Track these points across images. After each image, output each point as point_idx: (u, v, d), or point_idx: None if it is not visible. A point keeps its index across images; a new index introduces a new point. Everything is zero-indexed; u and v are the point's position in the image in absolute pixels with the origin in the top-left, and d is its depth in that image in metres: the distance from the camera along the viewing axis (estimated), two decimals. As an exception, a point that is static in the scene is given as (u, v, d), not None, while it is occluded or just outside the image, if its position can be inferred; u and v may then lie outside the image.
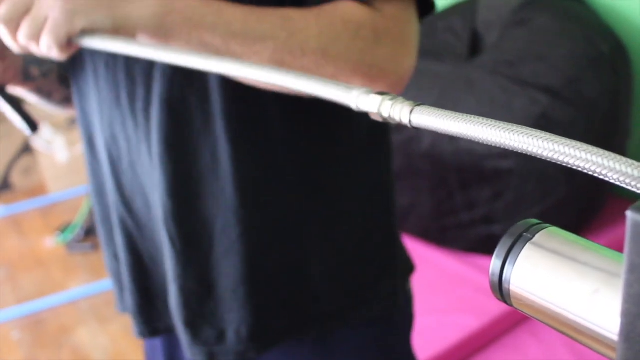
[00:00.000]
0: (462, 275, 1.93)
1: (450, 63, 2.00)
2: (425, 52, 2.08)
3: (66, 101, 0.91)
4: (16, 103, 0.80)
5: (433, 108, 0.38)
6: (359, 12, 0.69)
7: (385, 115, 0.41)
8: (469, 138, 0.35)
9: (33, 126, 0.82)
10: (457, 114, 0.36)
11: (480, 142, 0.35)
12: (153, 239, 0.84)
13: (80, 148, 3.53)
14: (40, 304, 2.72)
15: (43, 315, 2.66)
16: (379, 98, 0.42)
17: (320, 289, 0.84)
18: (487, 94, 1.87)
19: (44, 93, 0.87)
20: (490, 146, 1.84)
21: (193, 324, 0.83)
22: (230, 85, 0.73)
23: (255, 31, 0.67)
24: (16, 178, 3.86)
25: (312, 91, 0.45)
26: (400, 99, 0.41)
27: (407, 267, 0.93)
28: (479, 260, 1.96)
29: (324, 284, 0.84)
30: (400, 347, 0.95)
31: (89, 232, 3.10)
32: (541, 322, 0.31)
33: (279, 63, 0.68)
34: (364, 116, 0.79)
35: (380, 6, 0.71)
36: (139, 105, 0.77)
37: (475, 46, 2.13)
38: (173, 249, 0.79)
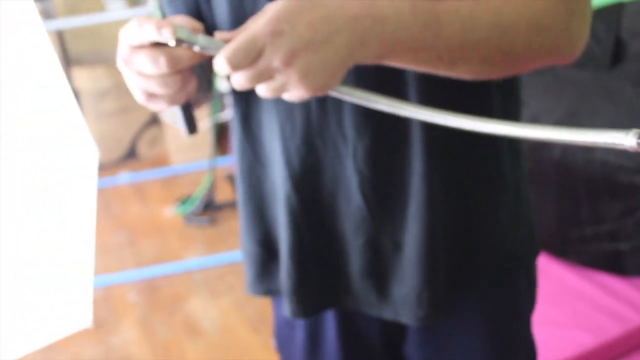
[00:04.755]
0: (581, 290, 1.86)
1: (590, 70, 1.93)
2: (564, 56, 2.01)
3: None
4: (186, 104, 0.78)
5: None
6: None
7: None
8: None
9: (192, 127, 0.79)
10: None
11: None
12: (321, 214, 0.87)
13: (205, 124, 3.66)
14: (156, 270, 2.84)
15: (159, 281, 2.78)
16: None
17: (492, 255, 0.88)
18: (627, 104, 1.79)
19: None
20: (627, 159, 1.74)
21: (384, 281, 0.87)
22: None
23: (472, 40, 0.66)
24: (142, 148, 4.05)
25: (585, 140, 0.50)
26: None
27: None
28: (600, 277, 1.88)
29: (498, 250, 0.88)
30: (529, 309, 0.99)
31: (208, 206, 3.20)
32: None
33: (487, 63, 0.69)
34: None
35: None
36: None
37: (618, 54, 2.03)
38: (369, 212, 0.84)
